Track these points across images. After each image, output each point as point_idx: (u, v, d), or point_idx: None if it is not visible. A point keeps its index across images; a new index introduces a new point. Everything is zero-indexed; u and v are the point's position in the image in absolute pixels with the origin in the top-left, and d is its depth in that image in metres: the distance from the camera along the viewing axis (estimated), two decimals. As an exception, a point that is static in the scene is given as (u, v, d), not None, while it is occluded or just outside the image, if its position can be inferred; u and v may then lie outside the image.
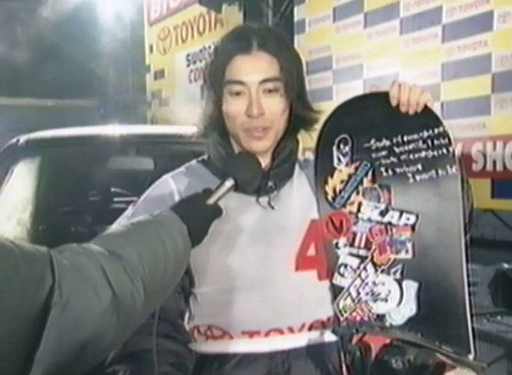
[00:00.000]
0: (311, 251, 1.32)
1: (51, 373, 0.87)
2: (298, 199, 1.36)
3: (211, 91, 1.32)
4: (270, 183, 1.33)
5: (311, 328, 1.32)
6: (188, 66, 7.05)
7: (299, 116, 1.34)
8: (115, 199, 3.60)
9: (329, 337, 1.32)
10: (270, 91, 1.27)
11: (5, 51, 8.76)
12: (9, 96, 10.14)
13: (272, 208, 1.33)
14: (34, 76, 9.56)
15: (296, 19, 5.20)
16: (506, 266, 3.84)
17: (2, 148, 3.49)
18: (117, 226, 1.15)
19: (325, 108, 1.36)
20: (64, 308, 0.87)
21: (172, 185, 1.36)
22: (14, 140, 3.47)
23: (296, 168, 1.40)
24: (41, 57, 9.29)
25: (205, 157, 1.41)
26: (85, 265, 0.94)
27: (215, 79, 1.30)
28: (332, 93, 4.69)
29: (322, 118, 1.36)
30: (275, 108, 1.28)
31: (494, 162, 3.60)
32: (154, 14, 7.84)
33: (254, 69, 1.27)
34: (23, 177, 3.34)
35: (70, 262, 0.92)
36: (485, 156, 3.64)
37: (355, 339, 1.27)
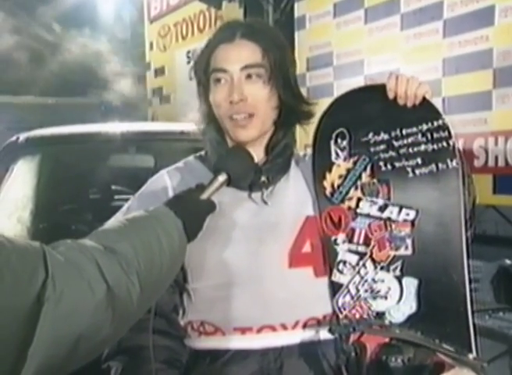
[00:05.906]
0: (306, 248, 1.31)
1: (44, 367, 0.86)
2: (293, 195, 1.35)
3: (200, 83, 1.34)
4: (263, 179, 1.33)
5: (305, 325, 1.30)
6: (188, 62, 7.00)
7: (291, 107, 1.32)
8: (116, 197, 3.59)
9: (325, 334, 1.30)
10: (252, 77, 1.28)
11: (5, 49, 8.75)
12: (10, 94, 10.13)
13: (266, 203, 1.32)
14: (34, 74, 9.55)
15: (296, 15, 5.17)
16: (508, 262, 3.82)
17: (2, 146, 3.48)
18: (112, 222, 1.15)
19: (327, 104, 1.34)
20: (58, 302, 0.87)
21: (167, 181, 1.36)
22: (14, 138, 3.46)
23: (293, 163, 1.38)
24: (41, 55, 9.28)
25: (202, 153, 1.42)
26: (79, 259, 0.93)
27: (201, 69, 1.32)
28: (333, 89, 4.66)
29: (319, 113, 1.34)
30: (257, 94, 1.28)
31: (496, 158, 3.57)
32: (154, 11, 7.82)
33: (236, 56, 1.28)
34: (23, 175, 3.34)
35: (64, 257, 0.92)
36: (486, 152, 3.61)
37: (352, 338, 1.25)
